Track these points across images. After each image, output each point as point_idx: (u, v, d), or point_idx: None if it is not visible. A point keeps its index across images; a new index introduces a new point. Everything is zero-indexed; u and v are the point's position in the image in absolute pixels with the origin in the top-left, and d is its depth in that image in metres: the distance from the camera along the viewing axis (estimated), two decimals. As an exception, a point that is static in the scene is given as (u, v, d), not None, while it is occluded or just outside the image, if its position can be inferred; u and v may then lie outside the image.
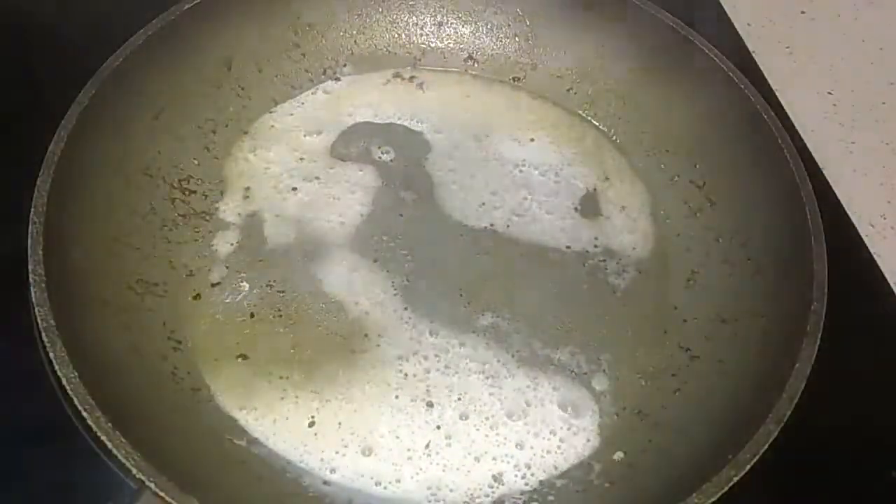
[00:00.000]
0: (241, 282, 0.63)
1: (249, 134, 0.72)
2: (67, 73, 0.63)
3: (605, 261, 0.68)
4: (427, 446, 0.57)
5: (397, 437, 0.57)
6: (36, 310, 0.49)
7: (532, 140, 0.75)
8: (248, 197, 0.68)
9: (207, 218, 0.67)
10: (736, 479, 0.48)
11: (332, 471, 0.55)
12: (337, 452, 0.56)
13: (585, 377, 0.61)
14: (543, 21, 0.78)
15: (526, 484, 0.56)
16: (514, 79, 0.79)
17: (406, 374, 0.60)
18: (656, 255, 0.67)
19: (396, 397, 0.59)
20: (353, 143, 0.73)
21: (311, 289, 0.64)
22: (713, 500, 0.48)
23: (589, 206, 0.71)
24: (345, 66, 0.78)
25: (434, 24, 0.80)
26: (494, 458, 0.57)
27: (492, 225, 0.69)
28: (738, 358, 0.59)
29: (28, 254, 0.51)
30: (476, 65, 0.79)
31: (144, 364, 0.55)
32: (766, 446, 0.49)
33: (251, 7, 0.72)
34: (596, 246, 0.69)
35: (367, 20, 0.79)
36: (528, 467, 0.57)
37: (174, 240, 0.64)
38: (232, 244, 0.65)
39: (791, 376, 0.52)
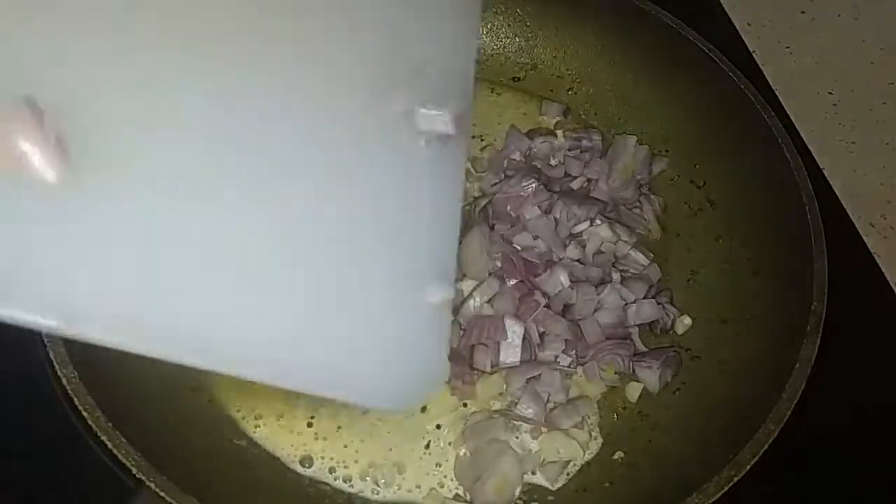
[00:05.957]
0: (242, 282, 0.63)
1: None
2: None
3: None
4: (427, 446, 0.57)
5: (397, 438, 0.57)
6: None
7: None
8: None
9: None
10: (736, 479, 0.48)
11: (332, 471, 0.55)
12: (337, 453, 0.56)
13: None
14: (544, 22, 0.78)
15: (526, 484, 0.56)
16: (514, 79, 0.79)
17: (406, 375, 0.60)
18: (656, 255, 0.67)
19: (396, 397, 0.59)
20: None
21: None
22: (713, 500, 0.48)
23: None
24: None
25: (434, 25, 0.80)
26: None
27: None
28: (738, 358, 0.59)
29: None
30: (476, 65, 0.79)
31: (144, 364, 0.55)
32: (767, 446, 0.49)
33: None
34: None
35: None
36: (528, 467, 0.57)
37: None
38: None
39: (791, 376, 0.52)
